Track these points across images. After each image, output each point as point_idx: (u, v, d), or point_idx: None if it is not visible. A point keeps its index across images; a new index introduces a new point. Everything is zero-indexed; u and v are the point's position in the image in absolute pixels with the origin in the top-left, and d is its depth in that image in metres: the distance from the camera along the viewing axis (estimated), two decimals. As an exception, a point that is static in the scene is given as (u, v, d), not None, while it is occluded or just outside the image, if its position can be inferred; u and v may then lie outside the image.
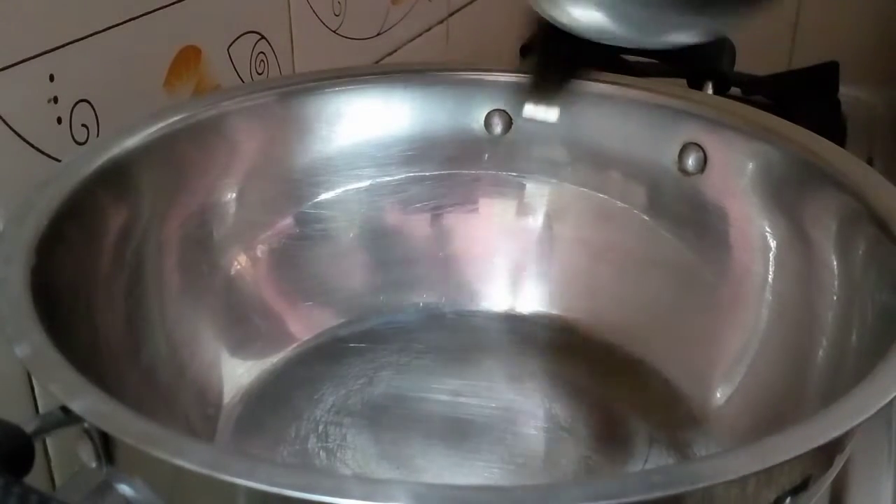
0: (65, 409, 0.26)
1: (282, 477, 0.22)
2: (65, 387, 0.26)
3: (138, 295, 0.38)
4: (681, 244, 0.44)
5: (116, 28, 0.42)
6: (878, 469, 0.40)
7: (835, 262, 0.37)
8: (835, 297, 0.37)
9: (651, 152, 0.45)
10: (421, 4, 0.73)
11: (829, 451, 0.27)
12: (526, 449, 0.39)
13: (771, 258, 0.41)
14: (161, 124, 0.40)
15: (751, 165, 0.42)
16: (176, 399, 0.38)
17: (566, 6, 0.26)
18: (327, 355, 0.44)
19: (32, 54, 0.38)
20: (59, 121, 0.40)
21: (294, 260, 0.45)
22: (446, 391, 0.41)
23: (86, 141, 0.42)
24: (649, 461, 0.38)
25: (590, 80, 0.46)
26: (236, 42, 0.51)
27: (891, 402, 0.26)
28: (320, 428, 0.39)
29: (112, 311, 0.36)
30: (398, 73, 0.48)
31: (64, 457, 0.41)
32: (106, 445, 0.26)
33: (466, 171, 0.48)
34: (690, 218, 0.44)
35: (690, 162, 0.44)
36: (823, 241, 0.38)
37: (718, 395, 0.41)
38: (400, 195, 0.47)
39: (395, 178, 0.47)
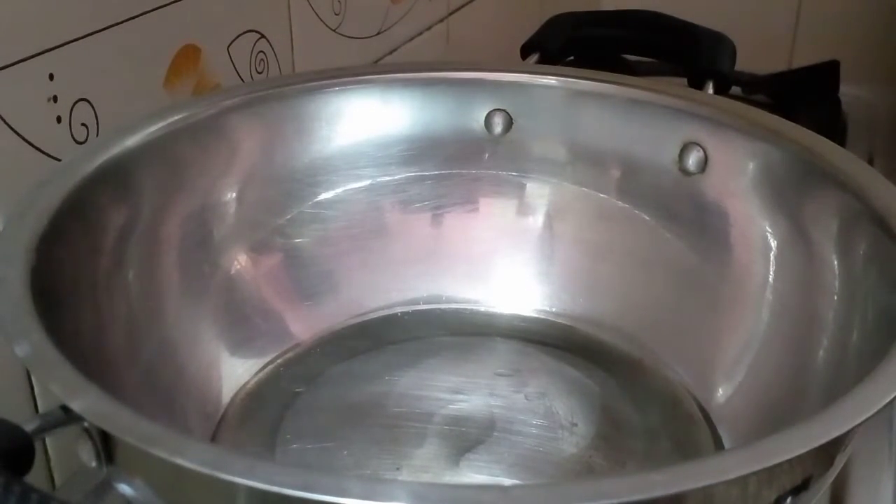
0: (65, 409, 0.26)
1: (281, 476, 0.22)
2: (65, 386, 0.26)
3: (138, 294, 0.38)
4: (681, 244, 0.44)
5: (116, 27, 0.42)
6: (879, 469, 0.40)
7: (835, 262, 0.37)
8: (835, 297, 0.37)
9: (651, 152, 0.45)
10: (421, 4, 0.73)
11: (829, 451, 0.27)
12: (526, 448, 0.39)
13: (772, 258, 0.41)
14: (161, 123, 0.40)
15: (751, 165, 0.42)
16: (176, 398, 0.38)
17: None
18: (327, 354, 0.44)
19: (32, 53, 0.38)
20: (59, 120, 0.40)
21: (294, 259, 0.45)
22: (446, 390, 0.41)
23: (85, 140, 0.42)
24: (649, 460, 0.38)
25: (590, 79, 0.46)
26: (236, 41, 0.51)
27: (891, 401, 0.26)
28: (320, 427, 0.39)
29: (112, 311, 0.36)
30: (398, 73, 0.48)
31: (64, 456, 0.41)
32: (106, 445, 0.26)
33: (467, 171, 0.48)
34: (691, 218, 0.44)
35: (691, 162, 0.44)
36: (824, 241, 0.38)
37: (719, 394, 0.41)
38: (400, 195, 0.47)
39: (395, 177, 0.47)
